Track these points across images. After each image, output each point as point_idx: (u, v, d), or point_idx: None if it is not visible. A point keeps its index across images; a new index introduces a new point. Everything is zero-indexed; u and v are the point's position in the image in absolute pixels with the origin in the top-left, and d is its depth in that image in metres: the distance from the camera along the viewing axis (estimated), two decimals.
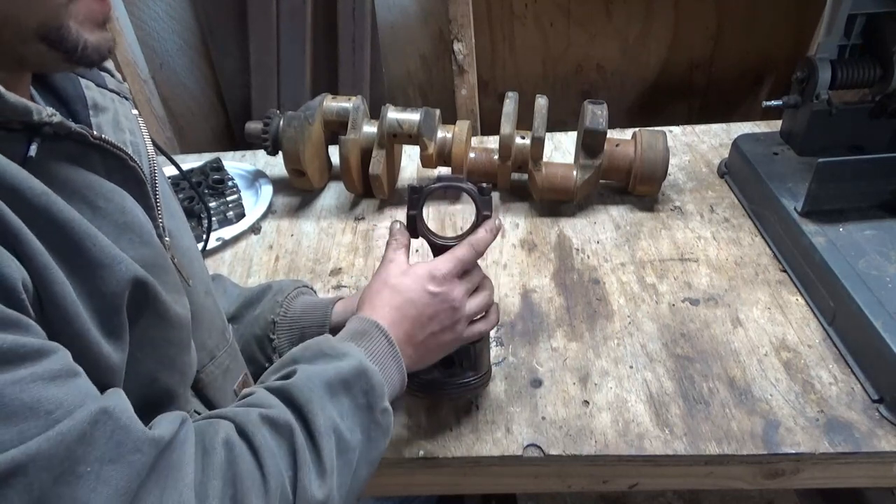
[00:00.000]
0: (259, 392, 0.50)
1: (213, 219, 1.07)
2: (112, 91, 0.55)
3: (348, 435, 0.49)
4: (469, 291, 0.63)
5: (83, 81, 0.52)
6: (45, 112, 0.42)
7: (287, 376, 0.51)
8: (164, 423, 0.42)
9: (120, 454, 0.37)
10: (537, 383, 0.77)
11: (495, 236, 0.65)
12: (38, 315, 0.39)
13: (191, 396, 0.58)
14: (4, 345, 0.35)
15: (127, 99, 0.56)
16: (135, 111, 0.57)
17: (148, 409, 0.50)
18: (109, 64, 0.57)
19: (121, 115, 0.54)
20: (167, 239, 0.54)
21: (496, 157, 1.06)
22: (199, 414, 0.57)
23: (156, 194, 0.53)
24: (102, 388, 0.42)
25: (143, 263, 0.47)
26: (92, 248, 0.43)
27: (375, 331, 0.57)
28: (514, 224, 1.05)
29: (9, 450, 0.33)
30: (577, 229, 1.03)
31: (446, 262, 0.62)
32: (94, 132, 0.45)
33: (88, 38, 0.43)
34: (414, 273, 0.61)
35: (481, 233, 0.64)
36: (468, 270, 0.64)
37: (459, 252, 0.63)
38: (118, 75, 0.57)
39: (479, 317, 0.66)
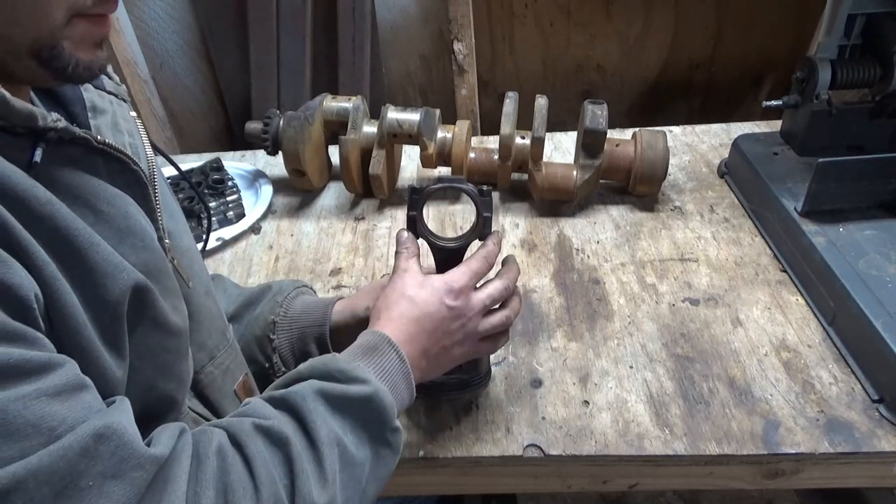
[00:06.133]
0: (255, 402, 0.50)
1: (213, 219, 1.07)
2: (110, 93, 0.55)
3: (353, 450, 0.49)
4: (487, 307, 0.63)
5: None
6: (50, 117, 0.42)
7: (289, 385, 0.51)
8: (164, 438, 0.42)
9: (122, 470, 0.37)
10: (537, 383, 0.77)
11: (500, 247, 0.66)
12: (47, 327, 0.39)
13: (190, 397, 0.58)
14: (10, 359, 0.35)
15: (125, 101, 0.56)
16: (132, 113, 0.57)
17: (147, 416, 0.50)
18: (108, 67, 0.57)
19: (119, 117, 0.54)
20: (167, 241, 0.54)
21: (496, 157, 1.06)
22: (197, 414, 0.58)
23: (156, 196, 0.53)
24: (106, 398, 0.42)
25: (144, 269, 0.47)
26: (95, 256, 0.43)
27: (387, 347, 0.56)
28: (514, 224, 1.05)
29: (10, 465, 0.33)
30: (577, 229, 1.03)
31: (462, 274, 0.61)
32: (98, 136, 0.45)
33: (82, 57, 0.42)
34: (431, 285, 0.60)
35: (491, 245, 0.64)
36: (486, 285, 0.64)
37: (474, 265, 0.63)
38: (116, 77, 0.57)
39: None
